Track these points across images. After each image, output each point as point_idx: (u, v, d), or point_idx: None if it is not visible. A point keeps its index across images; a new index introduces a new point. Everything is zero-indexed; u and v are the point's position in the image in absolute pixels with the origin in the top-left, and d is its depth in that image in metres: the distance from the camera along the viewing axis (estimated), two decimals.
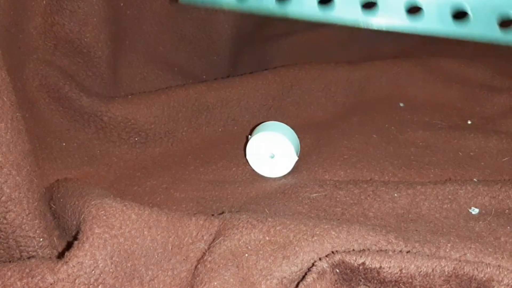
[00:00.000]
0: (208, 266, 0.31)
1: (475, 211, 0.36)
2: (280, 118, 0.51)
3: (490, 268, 0.28)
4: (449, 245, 0.30)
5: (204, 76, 0.55)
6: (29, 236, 0.31)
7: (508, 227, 0.34)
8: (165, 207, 0.39)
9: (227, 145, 0.48)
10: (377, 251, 0.30)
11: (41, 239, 0.31)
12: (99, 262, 0.28)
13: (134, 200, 0.33)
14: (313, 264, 0.29)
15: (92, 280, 0.28)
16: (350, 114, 0.52)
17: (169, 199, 0.41)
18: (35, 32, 0.43)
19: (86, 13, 0.44)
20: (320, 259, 0.29)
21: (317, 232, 0.31)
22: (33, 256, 0.31)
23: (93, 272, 0.28)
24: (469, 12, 0.32)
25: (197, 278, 0.31)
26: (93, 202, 0.31)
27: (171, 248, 0.32)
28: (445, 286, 0.28)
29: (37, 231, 0.31)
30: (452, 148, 0.45)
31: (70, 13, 0.43)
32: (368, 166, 0.42)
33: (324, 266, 0.29)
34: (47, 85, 0.44)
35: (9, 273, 0.28)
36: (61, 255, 0.30)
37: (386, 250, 0.30)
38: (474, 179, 0.39)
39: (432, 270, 0.28)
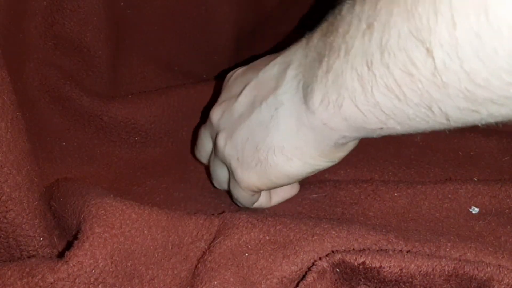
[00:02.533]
0: (208, 265, 0.31)
1: (475, 210, 0.36)
2: None
3: (490, 267, 0.28)
4: (449, 244, 0.30)
5: (205, 76, 0.55)
6: (29, 236, 0.31)
7: (508, 227, 0.34)
8: (165, 206, 0.39)
9: None
10: (377, 250, 0.30)
11: (41, 239, 0.31)
12: (99, 261, 0.28)
13: (134, 199, 0.33)
14: (313, 264, 0.29)
15: (92, 279, 0.28)
16: None
17: (169, 199, 0.41)
18: (35, 32, 0.43)
19: (86, 12, 0.43)
20: (320, 258, 0.30)
21: (317, 232, 0.31)
22: (33, 256, 0.31)
23: (93, 271, 0.28)
24: None
25: (197, 278, 0.31)
26: (93, 202, 0.31)
27: (171, 248, 0.32)
28: (445, 286, 0.28)
29: (37, 231, 0.31)
30: (452, 148, 0.45)
31: (70, 13, 0.43)
32: (368, 165, 0.42)
33: (324, 266, 0.29)
34: (47, 84, 0.44)
35: (9, 273, 0.28)
36: (61, 255, 0.30)
37: (386, 249, 0.30)
38: (474, 179, 0.39)
39: (432, 270, 0.28)
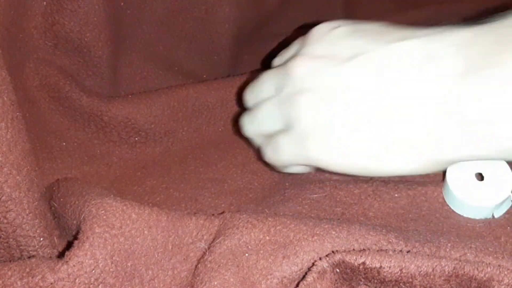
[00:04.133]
0: (208, 265, 0.31)
1: None
2: None
3: (490, 267, 0.28)
4: (449, 244, 0.30)
5: (205, 76, 0.55)
6: (30, 236, 0.31)
7: (508, 227, 0.34)
8: (165, 206, 0.39)
9: (227, 145, 0.48)
10: (378, 250, 0.30)
11: (41, 239, 0.31)
12: (100, 261, 0.28)
13: (134, 199, 0.33)
14: (313, 264, 0.29)
15: (92, 279, 0.28)
16: None
17: (169, 199, 0.41)
18: (35, 32, 0.43)
19: (86, 12, 0.44)
20: (320, 258, 0.30)
21: (318, 232, 0.31)
22: (33, 256, 0.31)
23: (93, 271, 0.28)
24: None
25: (197, 278, 0.31)
26: (93, 202, 0.31)
27: (171, 248, 0.32)
28: (445, 286, 0.28)
29: (38, 231, 0.31)
30: None
31: (70, 13, 0.43)
32: None
33: (325, 266, 0.29)
34: (47, 84, 0.44)
35: (10, 273, 0.28)
36: (61, 255, 0.30)
37: (387, 249, 0.30)
38: None
39: (433, 270, 0.28)
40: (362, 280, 0.29)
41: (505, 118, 0.27)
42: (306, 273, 0.29)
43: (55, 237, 0.33)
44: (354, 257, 0.29)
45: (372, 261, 0.28)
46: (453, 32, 0.29)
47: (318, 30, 0.34)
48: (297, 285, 0.29)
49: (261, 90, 0.37)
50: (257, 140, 0.38)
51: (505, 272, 0.28)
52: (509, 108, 0.27)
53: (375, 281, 0.29)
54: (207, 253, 0.31)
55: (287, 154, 0.34)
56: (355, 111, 0.30)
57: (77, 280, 0.28)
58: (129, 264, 0.30)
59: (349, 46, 0.31)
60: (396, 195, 0.37)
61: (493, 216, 0.34)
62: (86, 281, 0.28)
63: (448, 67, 0.28)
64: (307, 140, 0.32)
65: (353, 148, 0.31)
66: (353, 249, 0.30)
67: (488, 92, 0.27)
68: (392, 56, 0.30)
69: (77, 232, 0.30)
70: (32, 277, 0.27)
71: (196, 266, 0.32)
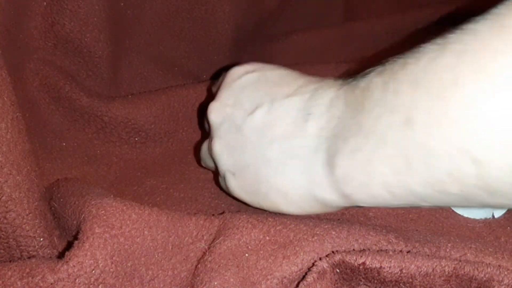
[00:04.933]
0: (208, 266, 0.31)
1: None
2: None
3: (490, 268, 0.28)
4: (449, 245, 0.30)
5: (205, 76, 0.55)
6: (30, 236, 0.31)
7: (508, 228, 0.34)
8: (165, 207, 0.39)
9: None
10: (378, 251, 0.30)
11: (41, 239, 0.31)
12: (100, 261, 0.28)
13: (134, 200, 0.33)
14: (313, 264, 0.29)
15: (92, 279, 0.28)
16: None
17: (169, 199, 0.41)
18: (35, 32, 0.43)
19: (86, 13, 0.44)
20: (320, 258, 0.30)
21: (318, 232, 0.31)
22: (33, 256, 0.31)
23: (93, 271, 0.28)
24: None
25: (197, 278, 0.31)
26: (93, 202, 0.31)
27: (171, 248, 0.32)
28: (445, 286, 0.28)
29: (38, 231, 0.31)
30: None
31: (70, 13, 0.43)
32: None
33: (325, 266, 0.29)
34: (47, 85, 0.44)
35: (9, 273, 0.28)
36: (61, 255, 0.30)
37: (387, 250, 0.30)
38: None
39: (433, 270, 0.28)
40: (362, 280, 0.29)
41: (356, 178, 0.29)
42: (306, 273, 0.29)
43: (55, 237, 0.33)
44: (354, 257, 0.29)
45: (372, 261, 0.28)
46: (326, 91, 0.32)
47: (231, 76, 0.37)
48: (297, 285, 0.29)
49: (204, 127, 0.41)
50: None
51: (505, 272, 0.28)
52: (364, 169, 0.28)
53: (375, 281, 0.29)
54: (207, 253, 0.31)
55: (224, 187, 0.37)
56: (257, 165, 0.33)
57: (77, 280, 0.28)
58: (129, 264, 0.30)
59: (250, 98, 0.35)
60: None
61: (493, 216, 0.34)
62: (86, 281, 0.28)
63: (317, 128, 0.31)
64: (227, 180, 0.35)
65: (256, 189, 0.34)
66: (353, 249, 0.30)
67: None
68: (278, 112, 0.33)
69: (77, 232, 0.30)
70: (32, 277, 0.27)
71: (196, 266, 0.32)
